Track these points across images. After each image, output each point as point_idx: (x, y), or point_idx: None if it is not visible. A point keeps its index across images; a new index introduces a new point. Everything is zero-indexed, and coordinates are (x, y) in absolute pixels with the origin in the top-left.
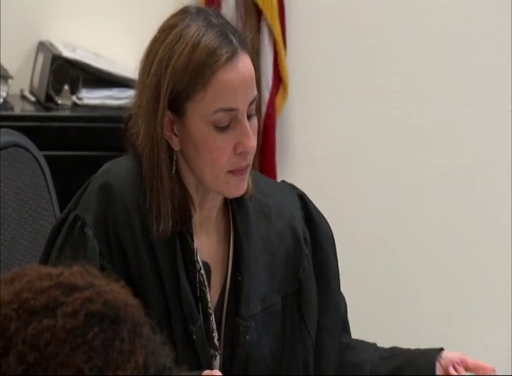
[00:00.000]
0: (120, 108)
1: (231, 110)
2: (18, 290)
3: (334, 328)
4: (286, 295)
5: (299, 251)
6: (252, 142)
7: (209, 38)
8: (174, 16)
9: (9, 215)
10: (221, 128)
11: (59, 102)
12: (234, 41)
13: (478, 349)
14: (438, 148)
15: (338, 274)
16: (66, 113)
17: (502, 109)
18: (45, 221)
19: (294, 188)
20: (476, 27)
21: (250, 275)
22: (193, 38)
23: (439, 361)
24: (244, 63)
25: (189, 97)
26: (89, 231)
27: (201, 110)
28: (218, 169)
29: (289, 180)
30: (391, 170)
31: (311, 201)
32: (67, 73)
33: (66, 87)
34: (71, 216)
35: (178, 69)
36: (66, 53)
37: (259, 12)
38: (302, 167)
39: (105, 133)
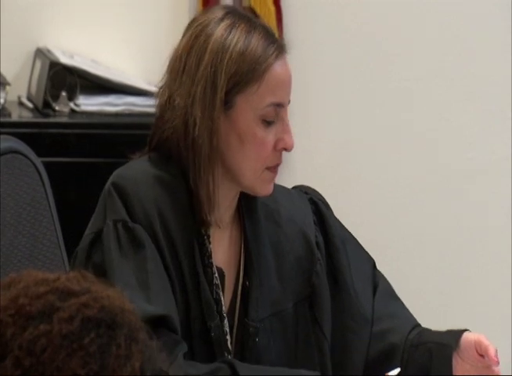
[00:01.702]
0: (117, 115)
1: (279, 105)
2: (14, 295)
3: (357, 327)
4: (298, 301)
5: (311, 256)
6: (292, 140)
7: (260, 34)
8: (208, 14)
9: (7, 222)
10: (268, 123)
11: (57, 108)
12: (278, 39)
13: None
14: (437, 154)
15: (359, 268)
16: (64, 119)
17: (501, 115)
18: (43, 227)
19: (306, 192)
20: (476, 33)
21: (258, 280)
22: (245, 33)
23: (457, 354)
24: (287, 61)
25: (242, 90)
26: (134, 225)
27: (253, 103)
28: (260, 164)
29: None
30: (391, 176)
31: (322, 201)
32: (65, 79)
33: (63, 93)
34: (109, 224)
35: (234, 61)
36: (64, 60)
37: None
38: (301, 173)
39: (102, 139)
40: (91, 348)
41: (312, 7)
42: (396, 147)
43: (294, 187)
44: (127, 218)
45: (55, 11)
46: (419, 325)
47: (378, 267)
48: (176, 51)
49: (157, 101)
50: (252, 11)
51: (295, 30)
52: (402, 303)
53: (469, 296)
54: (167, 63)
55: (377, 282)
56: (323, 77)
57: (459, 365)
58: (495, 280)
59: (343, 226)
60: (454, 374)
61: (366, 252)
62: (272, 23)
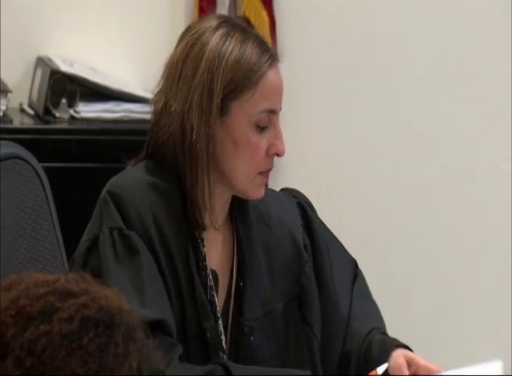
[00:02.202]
0: (116, 121)
1: (272, 111)
2: (15, 297)
3: (337, 331)
4: (287, 301)
5: (299, 258)
6: (284, 146)
7: (254, 43)
8: (202, 23)
9: (8, 225)
10: (261, 128)
11: (57, 115)
12: (271, 48)
13: (466, 356)
14: (437, 154)
15: (341, 271)
16: (64, 126)
17: (501, 115)
18: (43, 230)
19: (294, 196)
20: (476, 33)
21: (252, 280)
22: (240, 42)
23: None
24: (279, 69)
25: (238, 96)
26: (129, 232)
27: (247, 109)
28: (253, 168)
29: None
30: (390, 177)
31: (309, 205)
32: (65, 87)
33: (63, 101)
34: (105, 231)
35: (230, 69)
36: (64, 68)
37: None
38: (295, 175)
39: (101, 145)
40: (90, 347)
41: (305, 16)
42: (395, 148)
43: (282, 189)
44: (122, 225)
45: (56, 21)
46: (376, 328)
47: (376, 269)
48: (172, 58)
49: (153, 107)
50: (246, 21)
51: (288, 38)
52: (371, 302)
53: (469, 296)
54: (162, 70)
55: (355, 282)
56: (315, 84)
57: None
58: (495, 280)
59: (327, 229)
60: None
61: (348, 254)
62: (265, 32)
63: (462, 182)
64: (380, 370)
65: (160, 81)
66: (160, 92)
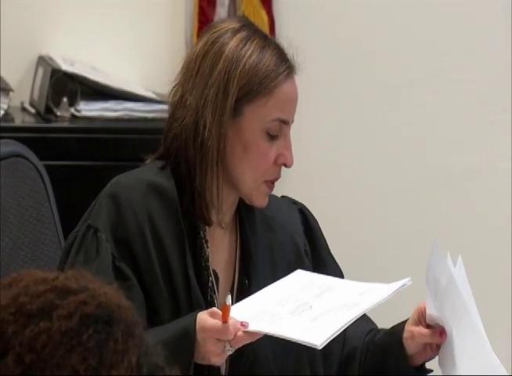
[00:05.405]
0: (116, 120)
1: (284, 121)
2: (15, 294)
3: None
4: None
5: (301, 264)
6: (292, 157)
7: (273, 51)
8: (225, 23)
9: (10, 223)
10: (272, 136)
11: (58, 114)
12: (290, 59)
13: None
14: (437, 155)
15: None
16: (65, 124)
17: (501, 115)
18: (44, 228)
19: (295, 203)
20: (476, 33)
21: (257, 278)
22: (259, 48)
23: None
24: (296, 81)
25: (252, 100)
26: (102, 235)
27: (260, 115)
28: (260, 175)
29: (279, 194)
30: (387, 181)
31: (311, 214)
32: (66, 86)
33: (64, 99)
34: (84, 226)
35: (247, 72)
36: (65, 67)
37: None
38: (294, 179)
39: (102, 144)
40: (89, 343)
41: (305, 15)
42: (395, 148)
43: (282, 197)
44: (100, 226)
45: (57, 20)
46: (374, 328)
47: (377, 270)
48: (191, 54)
49: (170, 99)
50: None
51: (287, 37)
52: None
53: None
54: (181, 64)
55: None
56: (315, 85)
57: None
58: (495, 280)
59: (325, 239)
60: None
61: (339, 267)
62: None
63: (462, 182)
64: (228, 300)
65: (178, 74)
66: (177, 84)
